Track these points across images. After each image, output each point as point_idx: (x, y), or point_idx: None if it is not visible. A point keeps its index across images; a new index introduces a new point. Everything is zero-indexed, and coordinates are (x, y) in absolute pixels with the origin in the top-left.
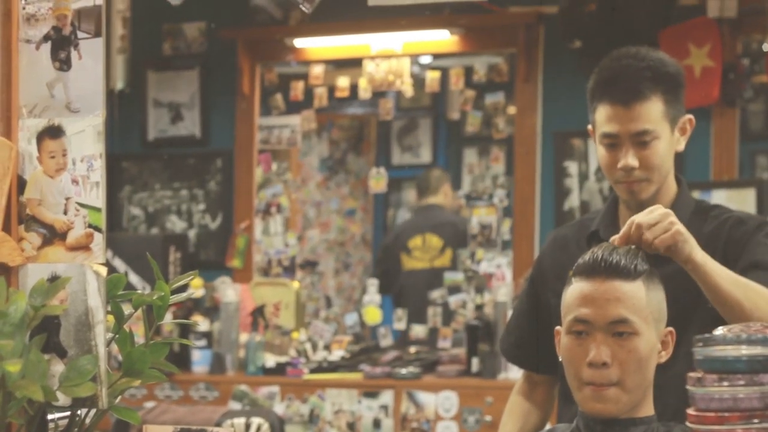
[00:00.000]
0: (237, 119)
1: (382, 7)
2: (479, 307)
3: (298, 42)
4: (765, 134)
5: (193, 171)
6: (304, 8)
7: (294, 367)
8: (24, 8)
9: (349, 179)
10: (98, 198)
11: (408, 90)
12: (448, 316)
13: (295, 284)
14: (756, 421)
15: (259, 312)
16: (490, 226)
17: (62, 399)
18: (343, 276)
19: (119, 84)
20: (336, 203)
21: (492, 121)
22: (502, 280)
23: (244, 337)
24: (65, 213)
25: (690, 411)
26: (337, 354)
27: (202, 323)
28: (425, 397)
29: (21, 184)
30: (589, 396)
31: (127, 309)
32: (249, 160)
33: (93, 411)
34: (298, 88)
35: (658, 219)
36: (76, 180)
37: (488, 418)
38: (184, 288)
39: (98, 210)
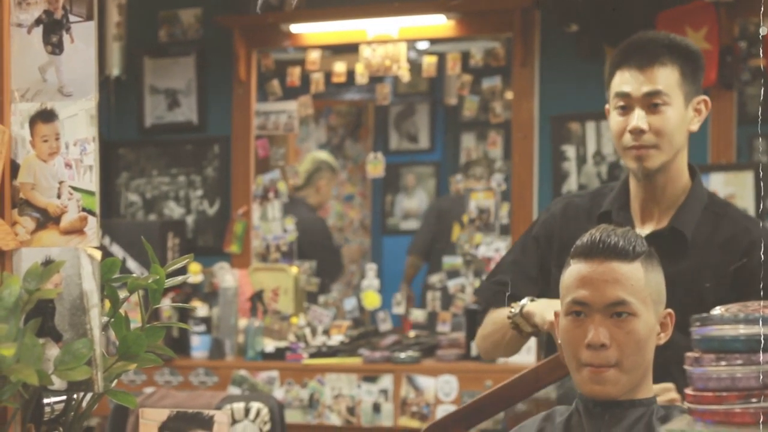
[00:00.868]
0: (234, 105)
1: None
2: None
3: (295, 28)
4: (763, 117)
5: (191, 157)
6: None
7: (293, 352)
8: None
9: (347, 165)
10: (92, 182)
11: (405, 75)
12: (447, 300)
13: (294, 269)
14: (754, 400)
15: (257, 297)
16: (488, 210)
17: (57, 383)
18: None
19: (115, 71)
20: (334, 189)
21: (489, 106)
22: None
23: (243, 323)
24: (59, 197)
25: (688, 391)
26: (336, 339)
27: (201, 309)
28: (425, 381)
29: (14, 169)
30: (588, 378)
31: (123, 293)
32: (246, 146)
33: (89, 395)
34: (294, 74)
35: None
36: (70, 164)
37: None
38: (182, 272)
39: (92, 194)
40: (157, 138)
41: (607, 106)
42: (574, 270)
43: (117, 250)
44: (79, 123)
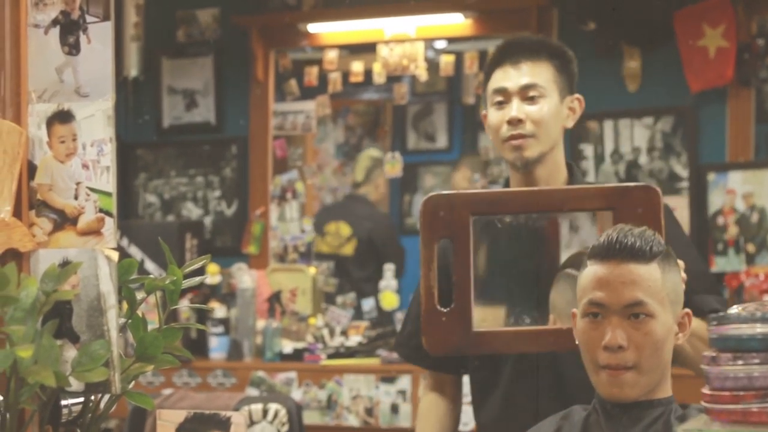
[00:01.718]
0: (251, 105)
1: None
2: None
3: (312, 27)
4: None
5: (209, 158)
6: None
7: (311, 353)
8: None
9: None
10: (109, 183)
11: (422, 74)
12: None
13: (312, 270)
14: None
15: (275, 298)
16: None
17: (75, 384)
18: None
19: (133, 71)
20: (351, 189)
21: None
22: None
23: (261, 324)
24: (76, 198)
25: (704, 390)
26: (354, 339)
27: (219, 310)
28: None
29: (31, 170)
30: (606, 381)
31: (140, 295)
32: (264, 147)
33: (106, 396)
34: (312, 74)
35: None
36: (87, 165)
37: None
38: (199, 273)
39: (109, 195)
40: (175, 139)
41: (483, 112)
42: (590, 271)
43: (135, 252)
44: (96, 124)
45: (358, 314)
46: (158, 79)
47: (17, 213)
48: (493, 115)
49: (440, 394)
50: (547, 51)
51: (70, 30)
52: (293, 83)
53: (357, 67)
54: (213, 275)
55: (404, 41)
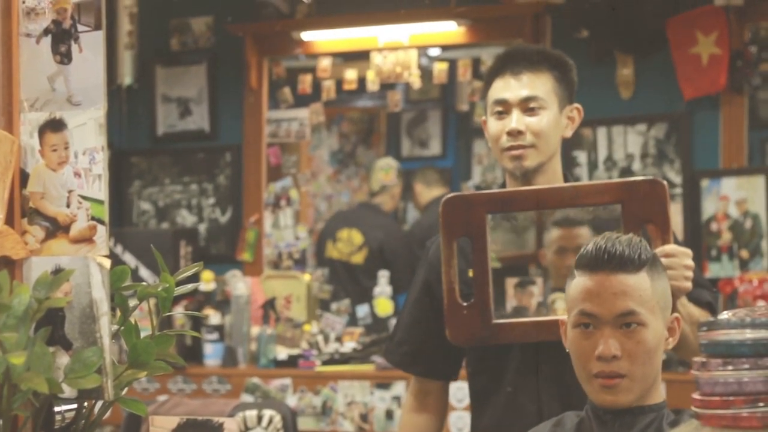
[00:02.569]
0: (245, 113)
1: None
2: None
3: (306, 35)
4: None
5: (203, 165)
6: None
7: (306, 359)
8: (24, 2)
9: (360, 172)
10: (101, 191)
11: (416, 82)
12: None
13: (306, 277)
14: (761, 404)
15: (270, 305)
16: None
17: (68, 391)
18: None
19: (127, 79)
20: (347, 196)
21: None
22: None
23: (255, 330)
24: (68, 206)
25: (695, 396)
26: (348, 346)
27: (213, 317)
28: None
29: (23, 178)
30: (599, 389)
31: (133, 302)
32: (258, 154)
33: (99, 403)
34: (306, 82)
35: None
36: (79, 173)
37: None
38: (193, 280)
39: (101, 203)
40: (169, 146)
41: (483, 118)
42: (580, 282)
43: (129, 259)
44: (88, 132)
45: (353, 321)
46: (152, 87)
47: (9, 221)
48: (493, 125)
49: (422, 407)
50: (547, 62)
51: (61, 39)
52: (287, 91)
53: (351, 74)
54: (207, 282)
55: (398, 49)
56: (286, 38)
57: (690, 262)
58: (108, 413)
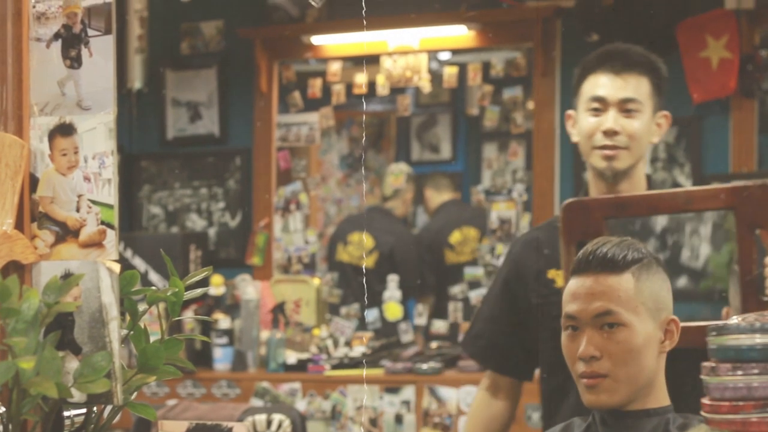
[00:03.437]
0: (255, 117)
1: None
2: None
3: (316, 39)
4: None
5: (213, 169)
6: (313, 2)
7: (315, 363)
8: (34, 6)
9: (369, 176)
10: (110, 195)
11: (426, 86)
12: (469, 311)
13: (316, 281)
14: None
15: (279, 309)
16: (510, 221)
17: (77, 396)
18: None
19: (137, 84)
20: (356, 200)
21: (510, 116)
22: None
23: (265, 335)
24: (78, 210)
25: (704, 400)
26: (358, 350)
27: (223, 321)
28: (447, 392)
29: (33, 182)
30: (584, 389)
31: (143, 306)
32: (267, 158)
33: (109, 407)
34: (315, 86)
35: None
36: (88, 177)
37: None
38: (203, 284)
39: (110, 207)
40: (179, 150)
41: (569, 111)
42: (569, 285)
43: (139, 263)
44: (98, 136)
45: (362, 325)
46: (162, 91)
47: (19, 225)
48: (586, 121)
49: (493, 395)
50: (648, 65)
51: (71, 43)
52: (297, 95)
53: (360, 78)
54: (217, 286)
55: (408, 53)
56: (296, 42)
57: None
58: (117, 418)
